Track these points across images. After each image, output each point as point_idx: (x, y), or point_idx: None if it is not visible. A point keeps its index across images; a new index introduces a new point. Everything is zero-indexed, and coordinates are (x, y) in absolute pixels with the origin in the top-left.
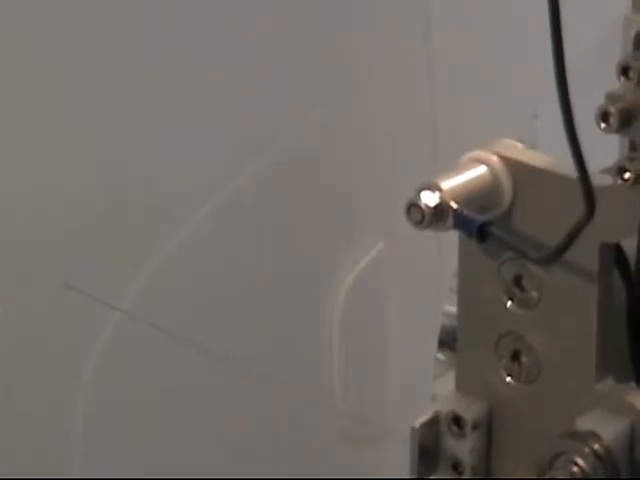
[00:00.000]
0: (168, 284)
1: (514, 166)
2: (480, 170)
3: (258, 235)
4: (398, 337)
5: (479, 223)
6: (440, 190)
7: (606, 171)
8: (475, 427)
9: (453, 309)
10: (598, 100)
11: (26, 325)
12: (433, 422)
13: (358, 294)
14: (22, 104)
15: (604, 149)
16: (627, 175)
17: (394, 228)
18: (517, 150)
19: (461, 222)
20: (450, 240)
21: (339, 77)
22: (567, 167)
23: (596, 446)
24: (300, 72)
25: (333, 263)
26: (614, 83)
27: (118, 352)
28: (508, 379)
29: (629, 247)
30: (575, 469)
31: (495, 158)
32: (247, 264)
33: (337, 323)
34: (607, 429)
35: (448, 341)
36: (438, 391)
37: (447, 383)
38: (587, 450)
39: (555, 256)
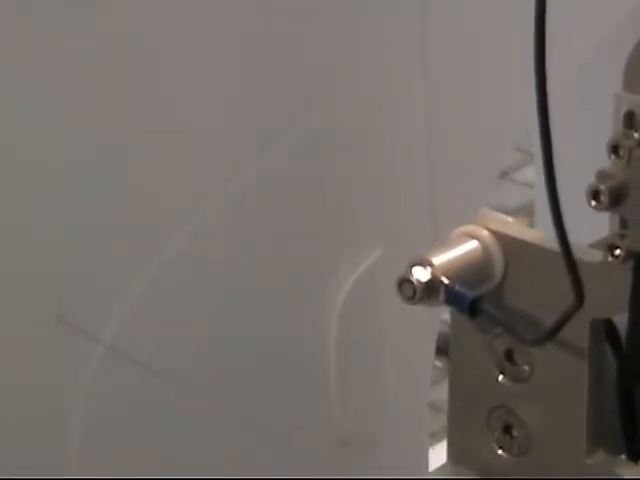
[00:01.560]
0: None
1: (505, 241)
2: (471, 245)
3: (253, 242)
4: (395, 342)
5: (470, 299)
6: (431, 265)
7: (596, 245)
8: None
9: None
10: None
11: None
12: None
13: (356, 299)
14: None
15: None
16: (617, 252)
17: (392, 233)
18: (508, 225)
19: (453, 298)
20: None
21: (337, 81)
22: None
23: None
24: (296, 76)
25: (331, 268)
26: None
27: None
28: (500, 452)
29: (621, 321)
30: None
31: (486, 233)
32: (243, 269)
33: (335, 327)
34: None
35: (446, 348)
36: (436, 397)
37: (445, 389)
38: None
39: (545, 339)
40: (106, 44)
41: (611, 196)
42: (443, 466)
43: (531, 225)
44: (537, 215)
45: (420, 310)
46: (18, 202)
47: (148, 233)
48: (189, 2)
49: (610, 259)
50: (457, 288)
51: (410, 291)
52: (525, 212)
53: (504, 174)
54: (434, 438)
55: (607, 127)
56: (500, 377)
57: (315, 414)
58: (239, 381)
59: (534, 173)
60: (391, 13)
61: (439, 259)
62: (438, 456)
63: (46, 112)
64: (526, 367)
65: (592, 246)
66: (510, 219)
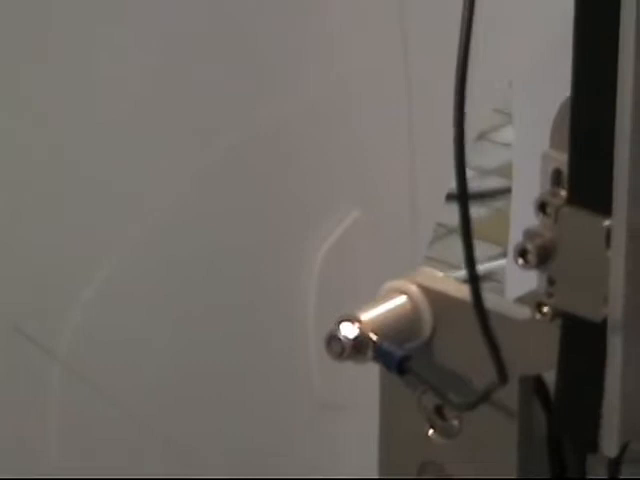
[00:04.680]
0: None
1: (434, 296)
2: (400, 300)
3: (227, 210)
4: None
5: (399, 357)
6: (359, 322)
7: (525, 299)
8: None
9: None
10: None
11: None
12: None
13: (333, 263)
14: None
15: None
16: (545, 310)
17: (369, 196)
18: (438, 280)
19: (381, 355)
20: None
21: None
22: (487, 298)
23: None
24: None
25: (307, 233)
26: None
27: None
28: None
29: (549, 377)
30: None
31: (415, 288)
32: (217, 236)
33: (313, 291)
34: None
35: None
36: None
37: None
38: None
39: (470, 407)
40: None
41: (538, 255)
42: None
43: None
44: (515, 175)
45: (397, 272)
46: None
47: (103, 231)
48: None
49: (538, 317)
50: (385, 345)
51: (339, 348)
52: (503, 172)
53: (483, 135)
54: None
55: None
56: (430, 432)
57: (294, 378)
58: (217, 348)
59: (513, 134)
60: None
61: (367, 315)
62: None
63: None
64: (455, 422)
65: (521, 300)
66: (441, 274)
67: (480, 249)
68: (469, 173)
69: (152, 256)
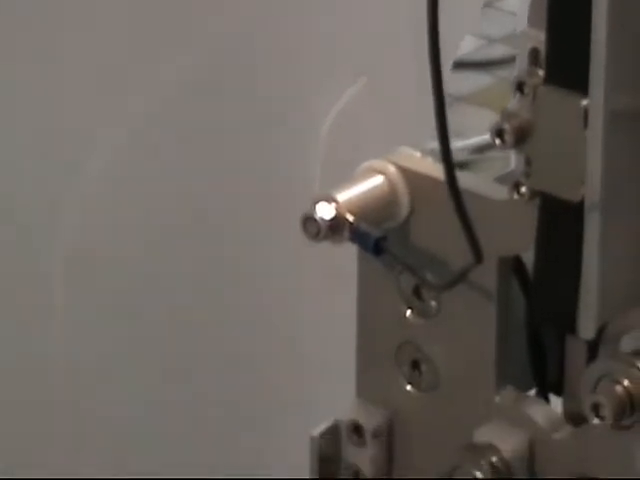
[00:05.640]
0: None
1: (411, 177)
2: (377, 181)
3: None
4: None
5: (375, 238)
6: (336, 202)
7: (503, 179)
8: (375, 436)
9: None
10: None
11: None
12: (333, 431)
13: (338, 133)
14: None
15: None
16: (523, 190)
17: (376, 63)
18: (416, 160)
19: (357, 236)
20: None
21: None
22: (465, 178)
23: (494, 459)
24: None
25: (313, 98)
26: None
27: None
28: (408, 387)
29: (527, 258)
30: None
31: (392, 168)
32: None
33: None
34: (505, 442)
35: None
36: None
37: None
38: (484, 463)
39: (447, 286)
40: None
41: (515, 135)
42: (351, 403)
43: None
44: None
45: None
46: None
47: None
48: None
49: (515, 197)
50: (362, 226)
51: (314, 229)
52: (509, 41)
53: (489, 3)
54: None
55: None
56: (408, 313)
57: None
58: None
59: (518, 1)
60: None
61: (343, 195)
62: None
63: None
64: (433, 303)
65: (499, 180)
66: (419, 154)
67: (485, 116)
68: (477, 42)
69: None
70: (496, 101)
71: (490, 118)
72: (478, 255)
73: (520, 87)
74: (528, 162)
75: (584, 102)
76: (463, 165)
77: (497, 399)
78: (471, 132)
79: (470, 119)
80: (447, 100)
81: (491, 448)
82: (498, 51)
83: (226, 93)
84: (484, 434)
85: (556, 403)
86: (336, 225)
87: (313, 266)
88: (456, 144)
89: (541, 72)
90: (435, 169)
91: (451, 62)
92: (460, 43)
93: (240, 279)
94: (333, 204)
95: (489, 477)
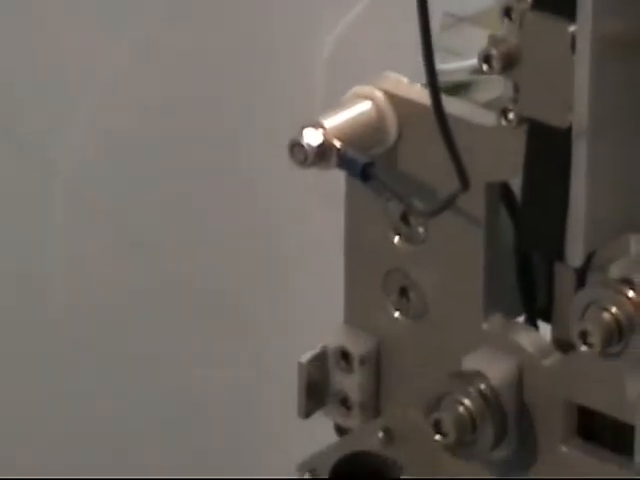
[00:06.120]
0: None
1: (399, 103)
2: (364, 106)
3: None
4: None
5: (362, 164)
6: (323, 128)
7: (491, 104)
8: (363, 362)
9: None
10: None
11: None
12: (320, 357)
13: (342, 50)
14: None
15: None
16: (511, 116)
17: None
18: (404, 86)
19: (345, 162)
20: None
21: None
22: (452, 104)
23: (482, 386)
24: None
25: (316, 17)
26: None
27: None
28: (397, 314)
29: (515, 184)
30: (461, 409)
31: (380, 94)
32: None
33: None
34: (494, 369)
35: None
36: None
37: None
38: (472, 391)
39: (434, 213)
40: None
41: (503, 60)
42: (339, 329)
43: None
44: None
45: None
46: None
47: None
48: None
49: (503, 123)
50: (349, 152)
51: (302, 155)
52: None
53: None
54: None
55: None
56: (396, 239)
57: None
58: None
59: None
60: None
61: (331, 121)
62: None
63: None
64: (421, 229)
65: (487, 105)
66: (406, 80)
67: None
68: None
69: None
70: (498, 23)
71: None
72: (464, 181)
73: (508, 13)
74: (516, 88)
75: (572, 28)
76: (463, 86)
77: (485, 326)
78: (473, 53)
79: (475, 40)
80: (450, 21)
81: (479, 375)
82: None
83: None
84: (472, 361)
85: (545, 330)
86: (323, 151)
87: (300, 191)
88: (457, 64)
89: None
90: (423, 95)
91: None
92: None
93: (226, 201)
94: (320, 130)
95: (477, 404)
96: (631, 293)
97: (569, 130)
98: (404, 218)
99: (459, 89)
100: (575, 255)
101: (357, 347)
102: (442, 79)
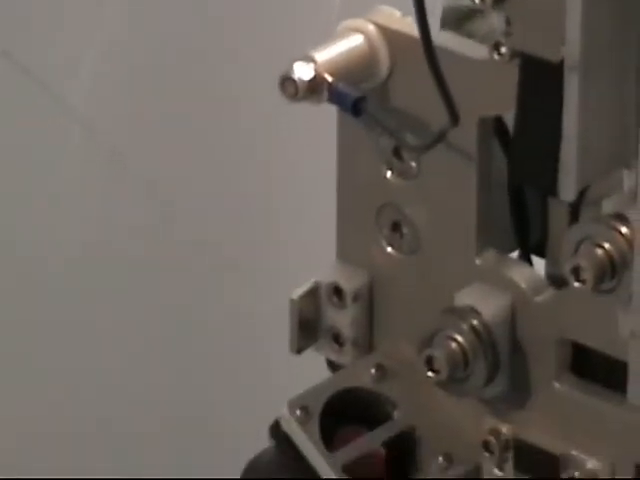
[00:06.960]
0: None
1: (391, 36)
2: (356, 40)
3: None
4: None
5: (354, 98)
6: (315, 62)
7: (482, 39)
8: (356, 298)
9: None
10: None
11: None
12: (312, 293)
13: None
14: None
15: None
16: (503, 50)
17: None
18: (396, 19)
19: (336, 96)
20: None
21: None
22: (444, 37)
23: (475, 322)
24: None
25: None
26: None
27: None
28: (389, 249)
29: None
30: (453, 345)
31: (372, 27)
32: None
33: None
34: (486, 305)
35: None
36: None
37: None
38: (465, 326)
39: (426, 148)
40: None
41: None
42: (331, 265)
43: None
44: None
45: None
46: None
47: None
48: None
49: (496, 57)
50: (341, 86)
51: (292, 89)
52: None
53: None
54: None
55: None
56: (388, 174)
57: None
58: None
59: None
60: None
61: (322, 55)
62: None
63: None
64: (413, 164)
65: (480, 39)
66: (399, 13)
67: None
68: None
69: None
70: None
71: None
72: (454, 116)
73: None
74: (508, 21)
75: None
76: (480, 10)
77: (478, 261)
78: None
79: None
80: None
81: (472, 311)
82: None
83: None
84: (465, 297)
85: (540, 266)
86: (315, 85)
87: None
88: None
89: None
90: (415, 28)
91: None
92: None
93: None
94: (311, 64)
95: (470, 340)
96: (624, 229)
97: (562, 64)
98: (397, 153)
99: (475, 14)
100: (568, 189)
101: (350, 283)
102: (456, 3)
